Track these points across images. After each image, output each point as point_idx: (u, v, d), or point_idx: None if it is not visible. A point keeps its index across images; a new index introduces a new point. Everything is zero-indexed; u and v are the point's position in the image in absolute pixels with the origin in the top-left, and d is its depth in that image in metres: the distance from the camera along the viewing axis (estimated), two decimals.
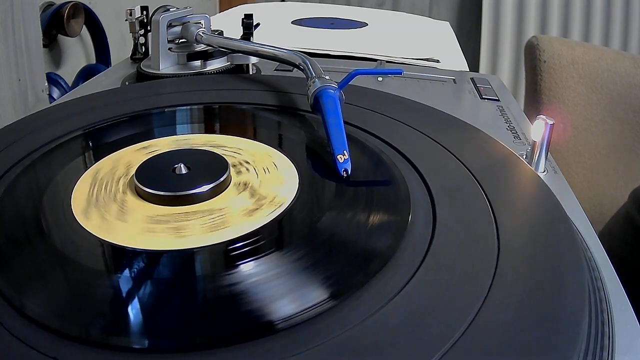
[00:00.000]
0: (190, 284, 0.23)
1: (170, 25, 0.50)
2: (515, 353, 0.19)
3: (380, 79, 0.55)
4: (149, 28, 0.58)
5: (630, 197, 0.57)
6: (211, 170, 0.30)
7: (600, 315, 0.23)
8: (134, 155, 0.33)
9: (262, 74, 0.54)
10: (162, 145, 0.34)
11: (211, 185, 0.29)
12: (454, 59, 0.67)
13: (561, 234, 0.26)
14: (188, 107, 0.41)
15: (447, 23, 0.90)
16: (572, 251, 0.24)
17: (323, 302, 0.21)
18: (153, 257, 0.24)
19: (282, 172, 0.31)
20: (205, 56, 0.51)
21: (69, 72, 1.11)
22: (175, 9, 0.51)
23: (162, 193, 0.28)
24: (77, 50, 1.16)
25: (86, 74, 1.09)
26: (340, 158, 0.30)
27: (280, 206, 0.28)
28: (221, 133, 0.37)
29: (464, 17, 1.80)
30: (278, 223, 0.27)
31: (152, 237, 0.25)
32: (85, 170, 0.31)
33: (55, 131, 0.36)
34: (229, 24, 0.65)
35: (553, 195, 0.29)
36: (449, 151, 0.33)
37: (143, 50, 0.60)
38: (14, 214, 0.28)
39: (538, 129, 0.36)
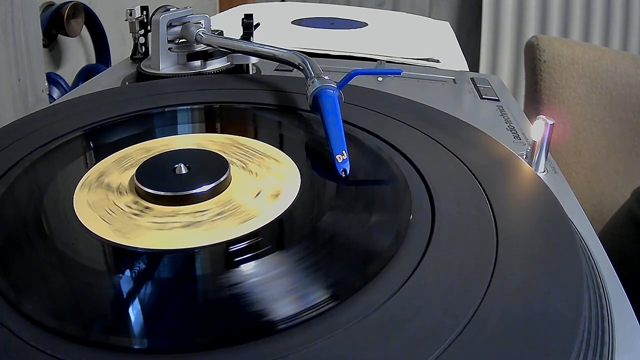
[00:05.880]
0: (192, 283, 0.23)
1: (170, 25, 0.50)
2: (515, 351, 0.19)
3: (380, 79, 0.55)
4: (149, 28, 0.58)
5: (632, 195, 0.57)
6: (212, 170, 0.30)
7: (600, 312, 0.23)
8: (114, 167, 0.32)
9: (262, 74, 0.54)
10: (134, 154, 0.33)
11: (214, 184, 0.29)
12: (454, 59, 0.67)
13: (561, 234, 0.26)
14: (188, 107, 0.41)
15: (447, 23, 0.90)
16: (571, 250, 0.24)
17: (324, 303, 0.21)
18: (157, 256, 0.24)
19: (277, 162, 0.32)
20: (205, 56, 0.51)
21: (69, 72, 1.11)
22: (175, 9, 0.51)
23: (163, 193, 0.28)
24: (77, 50, 1.16)
25: (86, 74, 1.09)
26: (339, 158, 0.30)
27: (290, 193, 0.28)
28: (221, 133, 0.37)
29: (464, 17, 1.80)
30: (279, 222, 0.27)
31: (191, 234, 0.26)
32: (84, 174, 0.31)
33: (55, 131, 0.36)
34: (229, 24, 0.65)
35: (553, 195, 0.29)
36: (450, 151, 0.33)
37: (143, 50, 0.60)
38: (14, 214, 0.28)
39: (538, 129, 0.36)
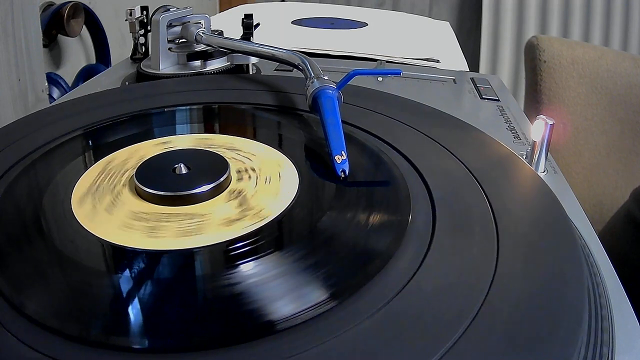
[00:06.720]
0: (189, 284, 0.23)
1: (170, 25, 0.50)
2: (517, 349, 0.19)
3: (380, 79, 0.55)
4: (149, 28, 0.58)
5: (631, 196, 0.57)
6: (212, 170, 0.30)
7: (600, 311, 0.23)
8: (151, 149, 0.34)
9: (262, 74, 0.54)
10: (179, 143, 0.34)
11: (210, 186, 0.29)
12: (454, 59, 0.67)
13: (561, 234, 0.26)
14: (187, 107, 0.41)
15: (447, 23, 0.90)
16: (571, 250, 0.24)
17: (323, 303, 0.21)
18: (132, 255, 0.24)
19: (282, 183, 0.30)
20: (205, 56, 0.51)
21: (69, 72, 1.11)
22: (175, 9, 0.51)
23: (156, 192, 0.28)
24: (77, 50, 1.16)
25: (86, 74, 1.09)
26: (338, 159, 0.30)
27: (262, 219, 0.27)
28: (220, 133, 0.37)
29: (464, 17, 1.80)
30: (278, 222, 0.27)
31: (129, 233, 0.26)
32: (83, 174, 0.31)
33: (55, 131, 0.36)
34: (229, 24, 0.65)
35: (553, 195, 0.29)
36: (449, 151, 0.33)
37: (143, 50, 0.60)
38: (14, 214, 0.28)
39: (538, 129, 0.36)
